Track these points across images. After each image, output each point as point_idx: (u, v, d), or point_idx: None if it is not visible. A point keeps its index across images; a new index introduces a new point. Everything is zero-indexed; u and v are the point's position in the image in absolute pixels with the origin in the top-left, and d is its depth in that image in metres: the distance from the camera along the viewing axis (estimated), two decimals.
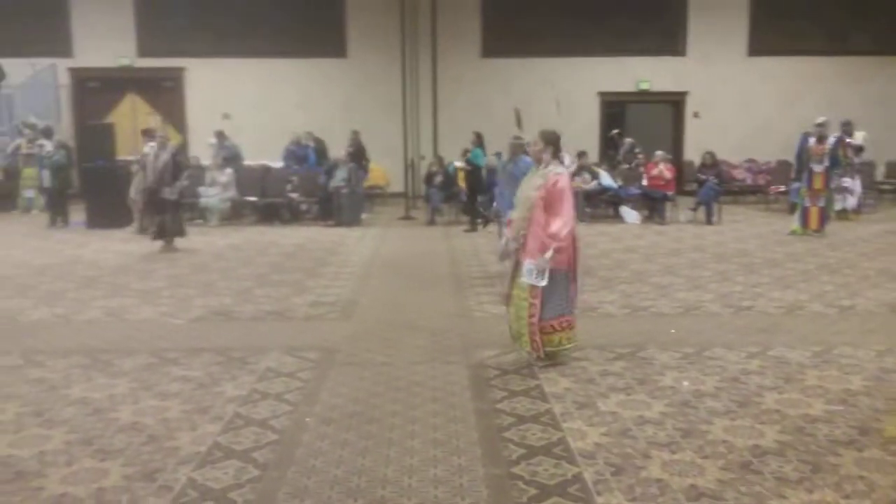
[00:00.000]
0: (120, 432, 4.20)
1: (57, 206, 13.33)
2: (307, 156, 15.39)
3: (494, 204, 10.29)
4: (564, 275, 5.27)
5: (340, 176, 13.37)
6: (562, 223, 5.15)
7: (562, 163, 5.53)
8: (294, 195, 13.94)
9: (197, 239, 10.72)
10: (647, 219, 13.73)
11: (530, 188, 5.31)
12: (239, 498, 3.44)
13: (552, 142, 5.33)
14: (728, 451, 3.90)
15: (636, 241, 11.29)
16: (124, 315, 6.96)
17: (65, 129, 16.52)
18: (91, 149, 13.78)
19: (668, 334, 6.18)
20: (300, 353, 5.67)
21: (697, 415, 4.42)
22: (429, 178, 14.40)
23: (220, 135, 14.59)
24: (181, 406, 4.60)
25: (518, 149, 7.81)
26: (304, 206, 14.18)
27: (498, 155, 11.97)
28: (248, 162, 14.83)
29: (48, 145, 13.62)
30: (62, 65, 17.03)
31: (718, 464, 3.76)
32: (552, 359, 5.31)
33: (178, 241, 10.48)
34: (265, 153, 15.34)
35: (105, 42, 16.93)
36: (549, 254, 5.11)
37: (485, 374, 5.20)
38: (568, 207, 5.21)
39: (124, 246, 10.98)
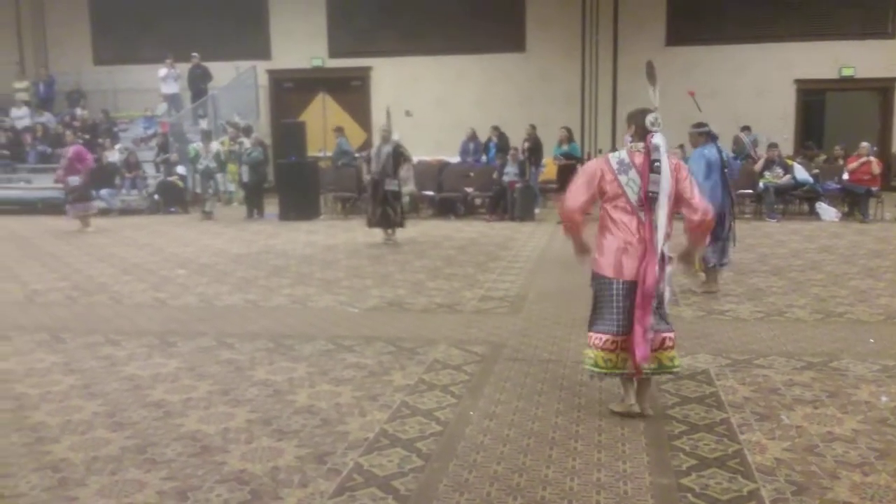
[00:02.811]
0: (296, 414, 4.42)
1: (253, 199, 14.37)
2: (486, 150, 15.54)
3: None
4: (615, 285, 4.16)
5: (513, 171, 13.38)
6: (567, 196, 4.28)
7: (648, 143, 4.16)
8: (469, 190, 14.13)
9: (376, 231, 11.10)
10: (847, 216, 12.60)
11: None
12: (401, 486, 3.50)
13: (633, 120, 4.28)
14: None
15: (833, 241, 10.38)
16: (307, 302, 7.35)
17: (262, 128, 17.77)
18: (285, 146, 14.74)
19: (866, 344, 5.61)
20: (467, 346, 5.71)
21: None
22: None
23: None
24: (353, 392, 4.77)
25: (697, 138, 7.38)
26: (478, 201, 14.33)
27: (681, 148, 11.49)
28: (426, 157, 15.22)
29: (246, 142, 14.69)
30: (261, 67, 18.32)
31: None
32: (624, 397, 4.37)
33: (358, 234, 10.94)
34: (445, 149, 15.67)
35: (299, 45, 18.02)
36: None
37: (656, 377, 4.96)
38: (581, 185, 4.23)
39: (311, 237, 11.63)
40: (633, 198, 4.12)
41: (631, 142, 4.24)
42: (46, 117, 18.20)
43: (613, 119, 16.93)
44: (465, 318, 6.64)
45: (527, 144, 14.23)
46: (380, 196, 10.56)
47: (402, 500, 3.38)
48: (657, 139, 4.12)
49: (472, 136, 15.97)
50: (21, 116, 18.23)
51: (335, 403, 4.58)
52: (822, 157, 14.57)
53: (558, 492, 3.44)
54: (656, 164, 4.09)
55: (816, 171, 13.51)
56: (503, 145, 15.19)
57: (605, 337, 4.19)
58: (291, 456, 3.85)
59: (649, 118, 4.17)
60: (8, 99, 18.79)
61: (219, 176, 15.02)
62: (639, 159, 4.13)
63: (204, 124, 17.01)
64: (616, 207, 4.17)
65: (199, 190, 15.59)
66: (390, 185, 10.50)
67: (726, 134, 13.81)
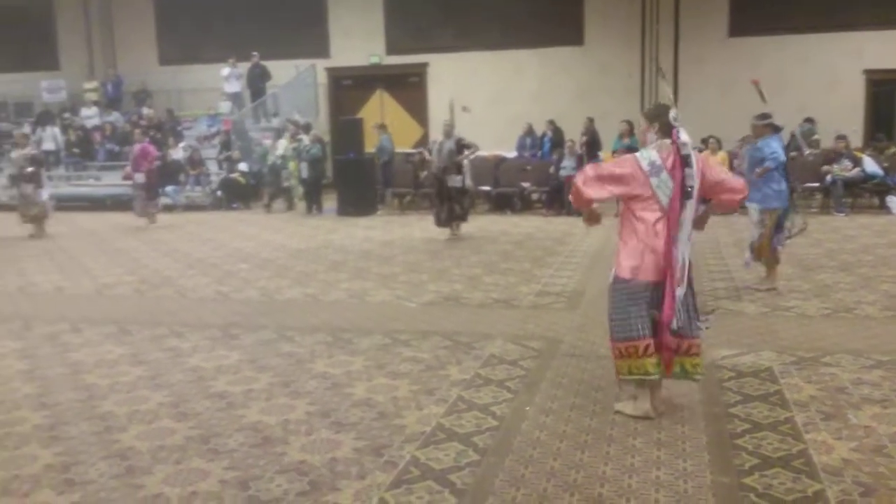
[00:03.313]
0: (354, 407, 4.47)
1: (313, 195, 14.57)
2: (541, 145, 15.44)
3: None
4: (643, 287, 4.08)
5: (570, 165, 13.26)
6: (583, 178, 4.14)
7: (676, 140, 4.05)
8: (526, 184, 14.06)
9: (434, 228, 11.14)
10: None
11: None
12: (458, 480, 3.52)
13: (656, 117, 4.14)
14: None
15: None
16: (364, 297, 7.42)
17: (321, 125, 17.98)
18: (343, 142, 14.91)
19: None
20: (524, 341, 5.69)
21: None
22: None
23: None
24: (409, 386, 4.80)
25: (763, 129, 7.09)
26: (535, 196, 14.25)
27: (742, 141, 11.23)
28: (483, 153, 15.17)
29: (306, 140, 14.90)
30: (320, 65, 18.54)
31: None
32: (639, 399, 4.22)
33: (414, 230, 10.99)
34: (501, 144, 15.61)
35: (358, 42, 18.17)
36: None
37: (718, 374, 4.87)
38: (607, 182, 4.08)
39: (369, 232, 11.74)
40: (665, 200, 4.04)
41: (657, 140, 4.12)
42: (115, 116, 18.78)
43: None
44: (521, 314, 6.61)
45: (584, 138, 14.07)
46: (445, 193, 10.55)
47: (459, 494, 3.39)
48: (683, 134, 4.04)
49: (529, 131, 15.88)
50: (90, 116, 18.84)
51: (392, 397, 4.62)
52: (893, 149, 14.02)
53: (616, 489, 3.40)
54: (689, 157, 4.03)
55: (886, 163, 13.03)
56: (558, 139, 15.06)
57: (639, 343, 4.08)
58: (349, 448, 3.90)
59: (672, 113, 4.08)
60: (78, 99, 19.45)
61: (285, 172, 15.22)
62: (669, 158, 4.04)
63: (276, 122, 17.29)
64: (645, 209, 4.07)
65: (268, 186, 15.92)
66: (453, 182, 10.50)
67: (792, 126, 13.46)
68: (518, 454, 3.78)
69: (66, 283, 8.50)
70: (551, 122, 15.54)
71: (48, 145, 17.23)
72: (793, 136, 13.30)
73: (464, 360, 5.29)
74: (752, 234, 7.25)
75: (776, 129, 7.15)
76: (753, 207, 7.11)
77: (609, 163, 4.20)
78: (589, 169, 4.21)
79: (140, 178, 12.82)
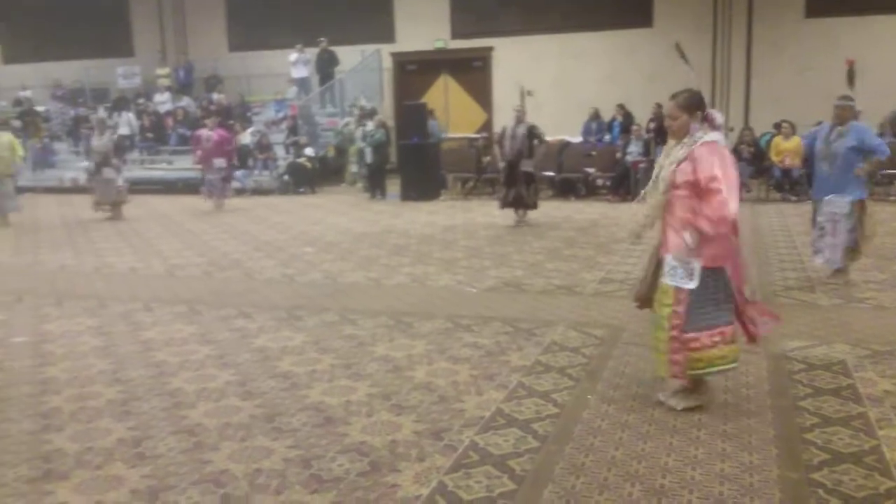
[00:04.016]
0: (414, 390, 4.51)
1: (376, 180, 14.67)
2: (609, 129, 15.20)
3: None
4: (721, 274, 3.96)
5: (636, 150, 13.02)
6: (720, 202, 3.78)
7: (714, 127, 4.01)
8: (591, 170, 13.87)
9: (498, 213, 11.09)
10: None
11: (670, 163, 4.01)
12: (517, 466, 3.51)
13: (694, 106, 3.96)
14: None
15: None
16: (426, 281, 7.45)
17: (386, 110, 18.06)
18: (407, 127, 14.96)
19: None
20: (586, 328, 5.63)
21: None
22: (736, 151, 13.45)
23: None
24: (470, 371, 4.81)
25: (846, 112, 6.54)
26: (600, 181, 14.06)
27: (819, 125, 10.80)
28: (546, 138, 15.03)
29: (370, 125, 15.00)
30: (385, 50, 18.61)
31: None
32: (697, 390, 4.11)
33: (477, 215, 10.96)
34: (565, 128, 15.42)
35: (423, 27, 18.16)
36: (688, 235, 3.86)
37: (787, 366, 4.73)
38: (735, 187, 3.86)
39: (431, 217, 11.78)
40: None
41: (700, 129, 3.95)
42: (186, 102, 19.26)
43: (747, 95, 16.15)
44: (583, 301, 6.54)
45: (652, 124, 13.79)
46: (515, 177, 10.49)
47: (518, 480, 3.39)
48: (720, 116, 3.94)
49: (595, 116, 15.65)
50: (163, 101, 19.37)
51: (452, 381, 4.63)
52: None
53: (679, 480, 3.34)
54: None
55: None
56: (628, 124, 14.78)
57: (726, 329, 4.01)
58: (409, 430, 3.93)
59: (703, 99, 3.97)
60: (152, 85, 20.00)
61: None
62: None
63: (364, 101, 17.28)
64: None
65: (354, 168, 16.15)
66: (526, 167, 10.44)
67: (878, 112, 12.92)
68: (578, 442, 3.75)
69: (139, 264, 8.78)
70: (621, 107, 15.25)
71: (123, 130, 17.75)
72: (887, 121, 12.77)
73: (524, 346, 5.27)
74: (836, 232, 6.60)
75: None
76: (844, 201, 6.52)
77: (717, 166, 3.81)
78: (723, 188, 3.80)
79: (221, 163, 13.13)
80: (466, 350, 5.22)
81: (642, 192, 4.41)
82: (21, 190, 13.25)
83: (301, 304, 6.61)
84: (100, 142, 12.46)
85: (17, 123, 18.12)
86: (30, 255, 9.50)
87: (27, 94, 20.12)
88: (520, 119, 10.55)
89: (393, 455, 3.66)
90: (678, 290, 3.96)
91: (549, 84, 16.88)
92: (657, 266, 4.14)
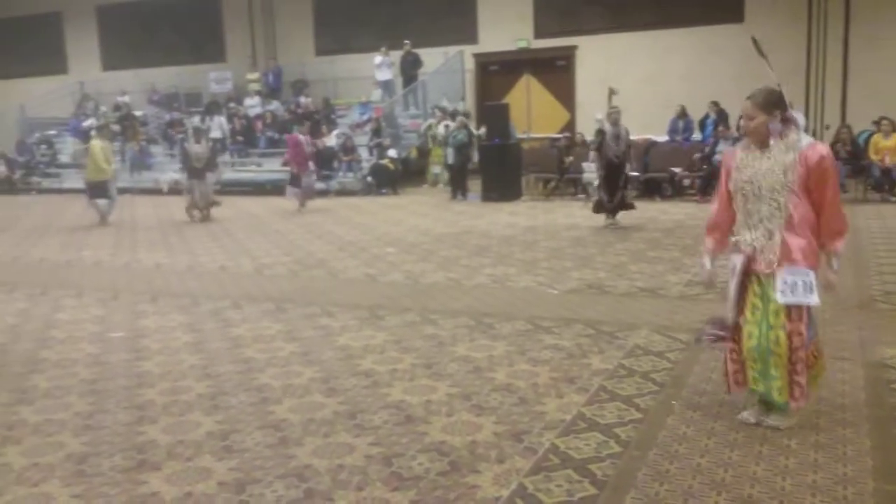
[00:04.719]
0: (494, 391, 4.50)
1: (458, 180, 14.73)
2: (702, 127, 14.81)
3: None
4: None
5: (723, 149, 12.63)
6: (844, 218, 3.67)
7: (796, 127, 3.74)
8: (677, 170, 13.55)
9: (580, 213, 10.99)
10: None
11: (774, 170, 3.66)
12: (598, 471, 3.46)
13: (772, 105, 3.69)
14: None
15: None
16: (507, 282, 7.43)
17: (467, 110, 18.10)
18: (489, 128, 14.94)
19: None
20: (671, 332, 5.50)
21: None
22: (832, 150, 12.89)
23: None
24: (550, 373, 4.76)
25: None
26: (686, 181, 13.71)
27: None
28: (631, 136, 14.78)
29: (452, 126, 15.07)
30: (468, 51, 18.66)
31: None
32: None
33: (558, 216, 10.85)
34: (651, 127, 15.12)
35: (506, 27, 18.14)
36: (834, 261, 3.68)
37: (885, 375, 4.51)
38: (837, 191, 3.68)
39: (512, 218, 11.74)
40: None
41: (782, 129, 3.69)
42: (275, 105, 19.80)
43: (843, 93, 15.47)
44: (668, 304, 6.39)
45: (742, 122, 13.36)
46: (619, 180, 10.28)
47: (599, 484, 3.34)
48: (801, 117, 3.71)
49: (682, 114, 15.28)
50: (253, 105, 19.96)
51: (533, 383, 4.60)
52: None
53: (768, 490, 3.22)
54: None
55: None
56: (722, 122, 14.34)
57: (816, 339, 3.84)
58: (489, 431, 3.93)
59: (786, 97, 3.69)
60: (242, 89, 20.65)
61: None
62: None
63: (461, 106, 17.39)
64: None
65: (437, 169, 16.29)
66: (630, 170, 10.24)
67: None
68: (663, 448, 3.66)
69: (229, 262, 9.07)
70: (715, 104, 14.81)
71: (215, 133, 18.39)
72: None
73: (606, 349, 5.19)
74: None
75: None
76: None
77: (823, 174, 3.61)
78: (837, 189, 3.69)
79: (313, 165, 13.54)
80: (547, 352, 5.18)
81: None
82: (119, 191, 13.85)
83: (383, 304, 6.70)
84: (199, 149, 12.89)
85: (116, 128, 18.99)
86: (127, 254, 9.95)
87: (125, 99, 21.10)
88: (615, 121, 10.29)
89: (473, 455, 3.66)
90: (796, 308, 3.66)
91: (635, 82, 16.56)
92: (743, 287, 3.83)
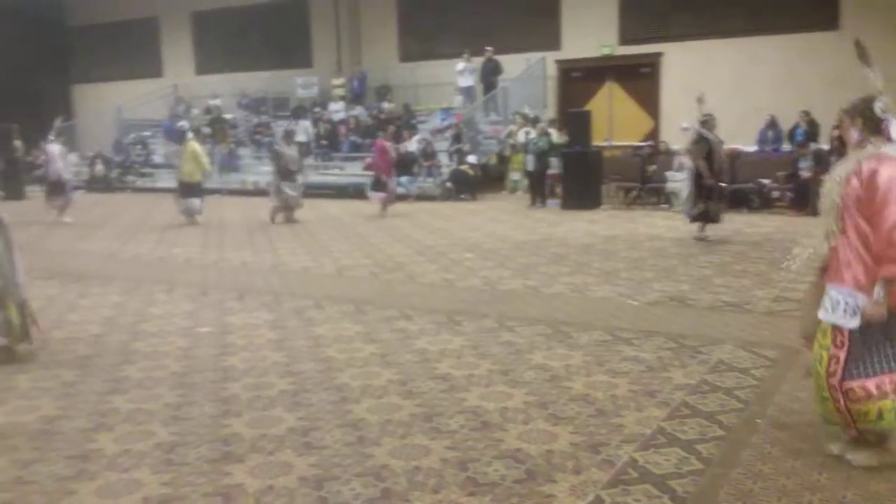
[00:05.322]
0: (571, 401, 4.46)
1: (537, 187, 14.66)
2: (792, 137, 14.35)
3: None
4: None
5: (810, 162, 12.20)
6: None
7: (889, 139, 3.42)
8: (766, 181, 13.14)
9: (662, 224, 10.79)
10: None
11: (834, 180, 3.50)
12: (678, 487, 3.38)
13: (857, 112, 3.47)
14: None
15: None
16: (585, 292, 7.35)
17: (549, 117, 18.01)
18: (570, 135, 14.83)
19: None
20: (757, 348, 5.33)
21: None
22: None
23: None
24: (629, 386, 4.69)
25: None
26: (775, 193, 13.28)
27: None
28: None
29: (532, 132, 15.02)
30: (550, 57, 18.57)
31: None
32: (879, 444, 3.56)
33: (639, 226, 10.67)
34: (739, 137, 14.72)
35: (590, 33, 17.96)
36: (878, 290, 3.31)
37: None
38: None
39: (592, 227, 11.61)
40: None
41: (861, 138, 3.46)
42: (358, 111, 20.16)
43: None
44: (755, 319, 6.21)
45: (836, 132, 12.85)
46: (719, 190, 9.99)
47: (679, 501, 3.27)
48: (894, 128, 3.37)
49: (772, 124, 14.82)
50: (337, 110, 20.37)
51: (611, 395, 4.54)
52: None
53: None
54: None
55: None
56: (813, 133, 13.86)
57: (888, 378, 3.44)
58: (566, 442, 3.89)
59: (878, 105, 3.43)
60: (327, 95, 21.11)
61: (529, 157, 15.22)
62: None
63: (527, 109, 17.33)
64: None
65: (516, 176, 16.31)
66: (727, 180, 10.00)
67: None
68: (746, 468, 3.56)
69: (312, 263, 9.27)
70: (805, 113, 14.32)
71: (300, 137, 18.81)
72: None
73: (689, 363, 5.07)
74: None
75: None
76: None
77: (874, 191, 3.33)
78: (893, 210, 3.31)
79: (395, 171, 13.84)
80: (626, 364, 5.10)
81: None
82: (208, 192, 14.34)
83: (460, 309, 6.72)
84: (291, 151, 13.23)
85: (206, 130, 19.68)
86: (215, 253, 10.29)
87: (217, 102, 21.86)
88: (712, 126, 9.98)
89: (549, 465, 3.64)
90: (837, 329, 3.45)
91: (722, 90, 16.11)
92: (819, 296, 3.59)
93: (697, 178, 9.94)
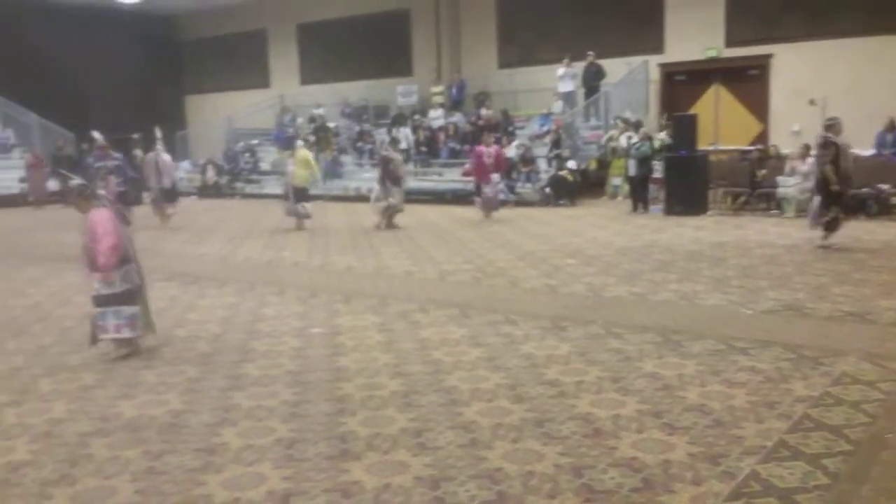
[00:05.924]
0: (686, 411, 4.36)
1: (639, 193, 14.38)
2: None
3: None
4: None
5: None
6: None
7: None
8: (885, 186, 12.47)
9: (773, 230, 10.39)
10: None
11: None
12: (805, 502, 3.26)
13: None
14: None
15: None
16: (694, 299, 7.17)
17: (652, 122, 17.66)
18: (674, 139, 14.49)
19: None
20: (884, 361, 5.07)
21: None
22: None
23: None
24: (747, 396, 4.54)
25: None
26: (895, 200, 12.58)
27: None
28: None
29: (635, 137, 14.75)
30: (653, 61, 18.20)
31: None
32: None
33: (749, 232, 10.29)
34: (854, 140, 13.97)
35: (694, 36, 17.50)
36: None
37: None
38: None
39: (698, 233, 11.30)
40: None
41: None
42: (457, 117, 20.30)
43: None
44: (880, 330, 5.90)
45: None
46: (831, 196, 9.49)
47: None
48: None
49: (891, 127, 14.05)
50: (436, 117, 20.58)
51: (728, 406, 4.41)
52: None
53: None
54: None
55: None
56: None
57: None
58: (683, 452, 3.81)
59: None
60: (427, 102, 21.36)
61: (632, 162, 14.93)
62: None
63: (629, 114, 17.00)
64: None
65: (616, 181, 16.14)
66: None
67: None
68: (877, 484, 3.39)
69: (414, 268, 9.40)
70: None
71: (401, 144, 19.12)
72: None
73: (810, 375, 4.87)
74: None
75: None
76: None
77: None
78: None
79: (496, 177, 13.79)
80: (743, 374, 4.94)
81: None
82: (312, 198, 14.73)
83: (565, 315, 6.68)
84: (398, 158, 13.47)
85: (311, 138, 20.26)
86: (321, 257, 10.58)
87: (320, 111, 22.48)
88: (839, 130, 9.48)
89: (666, 475, 3.57)
90: None
91: (836, 93, 15.44)
92: None
93: (824, 184, 9.49)
